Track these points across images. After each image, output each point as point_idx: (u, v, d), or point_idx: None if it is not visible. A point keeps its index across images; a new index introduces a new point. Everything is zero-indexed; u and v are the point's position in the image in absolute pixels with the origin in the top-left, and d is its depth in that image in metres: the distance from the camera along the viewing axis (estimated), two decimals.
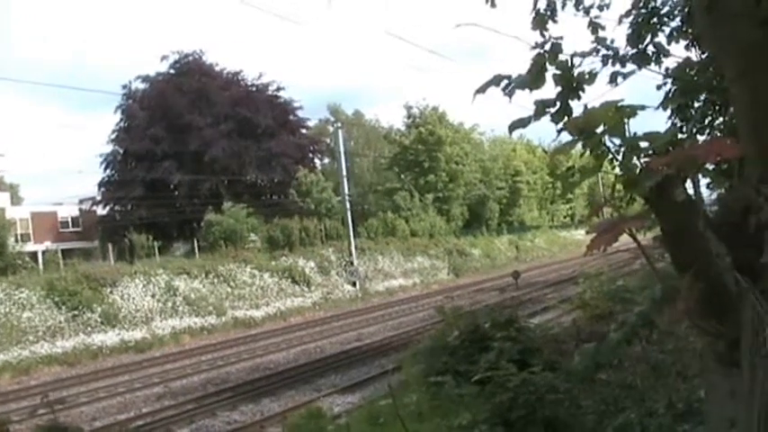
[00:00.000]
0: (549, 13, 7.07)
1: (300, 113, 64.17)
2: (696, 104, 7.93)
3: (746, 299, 2.45)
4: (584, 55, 4.50)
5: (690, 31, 7.80)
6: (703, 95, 7.66)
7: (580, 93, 3.87)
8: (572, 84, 3.87)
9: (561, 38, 4.60)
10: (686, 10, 7.55)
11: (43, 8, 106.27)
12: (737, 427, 2.61)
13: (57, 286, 33.80)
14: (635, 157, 2.41)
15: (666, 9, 8.15)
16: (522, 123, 3.26)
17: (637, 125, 2.52)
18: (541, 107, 3.48)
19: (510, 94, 3.59)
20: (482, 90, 3.47)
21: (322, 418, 16.16)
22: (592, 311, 19.37)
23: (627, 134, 2.45)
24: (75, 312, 33.12)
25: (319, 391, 20.14)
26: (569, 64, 4.01)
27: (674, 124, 8.06)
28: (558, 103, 3.64)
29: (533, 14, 6.96)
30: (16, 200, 69.01)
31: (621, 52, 7.45)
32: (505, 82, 3.55)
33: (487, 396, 10.97)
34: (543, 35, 5.91)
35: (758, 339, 2.12)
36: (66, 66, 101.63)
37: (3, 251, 40.41)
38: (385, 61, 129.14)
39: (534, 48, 4.29)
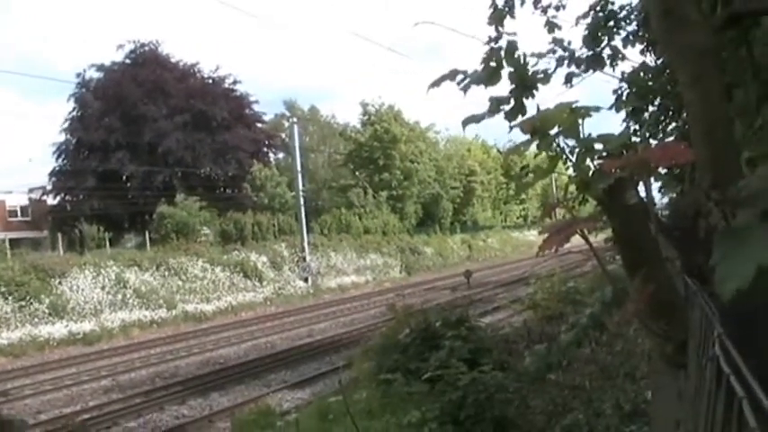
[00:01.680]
0: (506, 9, 7.12)
1: (256, 107, 63.86)
2: (650, 108, 8.01)
3: (695, 302, 2.48)
4: (540, 56, 4.52)
5: (646, 35, 7.89)
6: (657, 100, 7.74)
7: (534, 91, 3.89)
8: (526, 82, 3.88)
9: (515, 33, 4.61)
10: (642, 15, 7.63)
11: None
12: (682, 427, 2.64)
13: (3, 276, 33.16)
14: (588, 159, 2.42)
15: (623, 13, 8.24)
16: (475, 119, 3.26)
17: (591, 128, 2.53)
18: (495, 104, 3.50)
19: (465, 89, 3.58)
20: (437, 84, 3.47)
21: (271, 414, 16.12)
22: (543, 312, 19.54)
23: (581, 135, 2.46)
24: (23, 303, 32.56)
25: (269, 387, 20.09)
26: (523, 61, 4.03)
27: (628, 127, 8.14)
28: (513, 101, 3.65)
29: (491, 9, 6.99)
30: None
31: (577, 54, 7.51)
32: (461, 77, 3.54)
33: (437, 394, 11.03)
34: (498, 30, 5.93)
35: (705, 341, 2.14)
36: (17, 51, 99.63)
37: None
38: (342, 58, 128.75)
39: (488, 42, 4.29)
